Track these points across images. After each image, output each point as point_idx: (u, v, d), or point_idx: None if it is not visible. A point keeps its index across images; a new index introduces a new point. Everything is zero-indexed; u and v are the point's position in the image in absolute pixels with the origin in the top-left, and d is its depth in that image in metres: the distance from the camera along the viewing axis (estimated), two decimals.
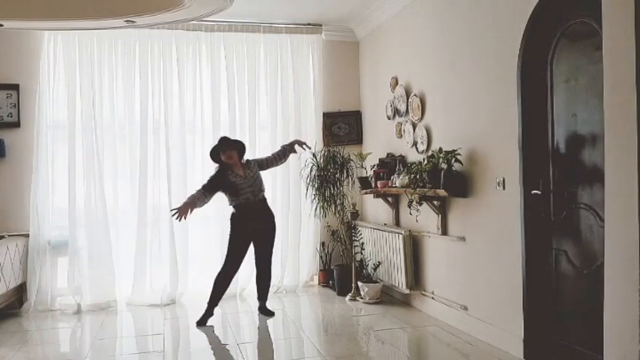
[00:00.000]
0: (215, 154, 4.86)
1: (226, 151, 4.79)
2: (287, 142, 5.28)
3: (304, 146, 5.20)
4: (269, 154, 5.27)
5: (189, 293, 5.68)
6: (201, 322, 4.73)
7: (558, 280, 3.41)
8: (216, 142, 4.95)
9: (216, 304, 4.83)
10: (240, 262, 4.92)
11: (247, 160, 4.96)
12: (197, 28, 5.76)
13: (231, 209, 4.89)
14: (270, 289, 5.24)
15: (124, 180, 5.67)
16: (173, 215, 4.59)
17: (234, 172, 4.79)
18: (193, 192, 4.74)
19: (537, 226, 3.52)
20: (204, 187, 4.75)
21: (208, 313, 4.79)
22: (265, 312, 4.99)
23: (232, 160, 4.80)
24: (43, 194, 5.38)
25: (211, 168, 5.77)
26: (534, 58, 3.51)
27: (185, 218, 4.59)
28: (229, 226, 4.88)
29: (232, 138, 5.06)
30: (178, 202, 5.57)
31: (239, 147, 4.90)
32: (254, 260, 5.03)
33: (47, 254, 5.38)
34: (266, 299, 5.06)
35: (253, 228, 4.85)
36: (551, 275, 3.46)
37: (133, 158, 5.65)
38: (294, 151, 5.21)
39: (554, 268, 3.44)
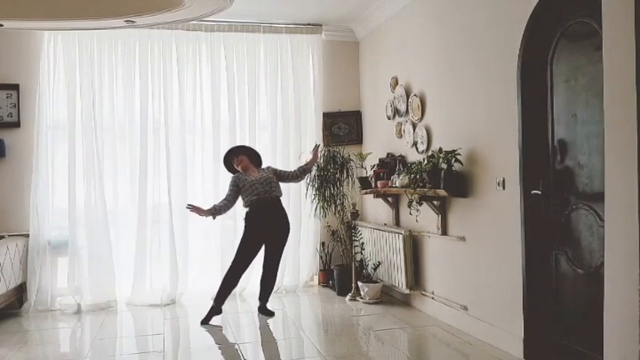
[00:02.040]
0: (228, 163, 5.08)
1: (238, 156, 5.00)
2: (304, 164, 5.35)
3: (316, 149, 5.28)
4: (291, 169, 5.39)
5: (189, 293, 5.69)
6: (206, 321, 4.74)
7: (558, 280, 3.41)
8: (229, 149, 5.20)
9: (223, 302, 4.84)
10: (250, 261, 4.94)
11: (268, 167, 5.15)
12: (197, 28, 5.76)
13: (245, 210, 4.97)
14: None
15: (124, 180, 5.66)
16: (188, 207, 4.77)
17: (248, 173, 4.95)
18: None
19: (537, 226, 3.52)
20: (226, 196, 4.93)
21: (214, 310, 4.79)
22: (265, 312, 4.99)
23: (243, 163, 4.97)
24: (43, 194, 5.38)
25: (211, 168, 5.82)
26: (534, 58, 3.51)
27: (198, 214, 4.80)
28: (244, 225, 4.96)
29: (245, 146, 5.27)
30: (178, 202, 5.59)
31: (248, 152, 5.08)
32: (262, 260, 5.04)
33: (47, 254, 5.38)
34: (267, 301, 5.06)
35: (265, 224, 4.86)
36: (551, 275, 3.46)
37: (133, 158, 5.65)
38: (309, 171, 5.31)
39: (554, 268, 3.44)
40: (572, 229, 3.28)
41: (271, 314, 4.97)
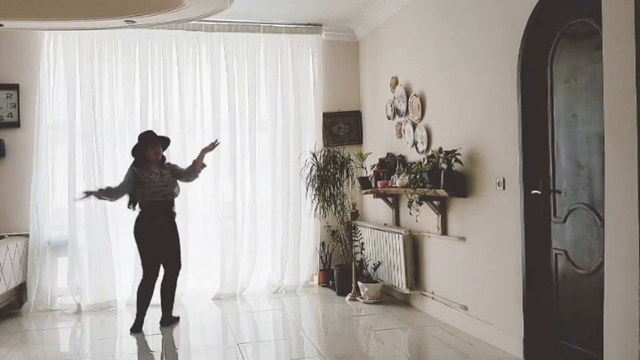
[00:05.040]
0: (139, 148, 4.62)
1: (154, 146, 4.61)
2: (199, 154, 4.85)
3: (212, 146, 4.82)
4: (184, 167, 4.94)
5: (189, 293, 5.68)
6: (135, 330, 4.55)
7: (558, 280, 3.41)
8: (142, 136, 4.70)
9: (144, 313, 4.60)
10: (157, 267, 4.63)
11: (168, 163, 4.80)
12: (197, 28, 5.77)
13: (135, 213, 4.63)
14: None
15: None
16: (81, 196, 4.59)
17: (150, 170, 4.58)
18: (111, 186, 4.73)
19: (537, 226, 3.52)
20: (120, 184, 4.64)
21: (139, 321, 4.58)
22: (165, 322, 4.69)
23: (159, 155, 4.65)
24: (43, 194, 5.38)
25: (211, 168, 5.79)
26: (534, 58, 3.51)
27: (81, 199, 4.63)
28: (134, 232, 4.60)
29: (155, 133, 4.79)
30: (178, 202, 5.56)
31: (165, 143, 4.80)
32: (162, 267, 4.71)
33: (47, 254, 5.39)
34: (169, 310, 4.75)
35: (157, 229, 4.56)
36: (551, 275, 3.46)
37: (132, 158, 5.63)
38: (204, 164, 4.80)
39: (554, 268, 3.44)
40: (572, 229, 3.28)
41: (174, 320, 4.74)
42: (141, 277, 4.65)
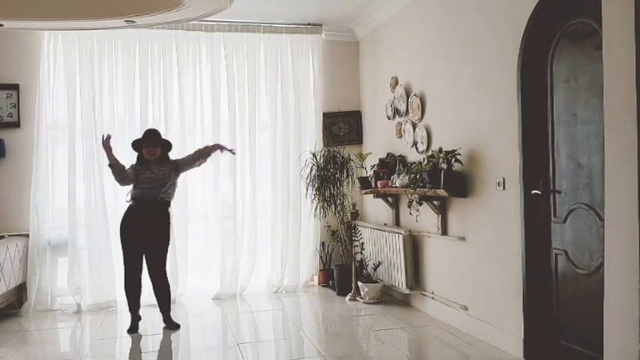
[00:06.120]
0: (138, 145, 4.62)
1: (151, 145, 4.54)
2: (211, 145, 4.88)
3: (228, 151, 4.84)
4: (188, 153, 4.88)
5: (189, 293, 5.69)
6: (132, 330, 4.55)
7: (558, 280, 3.41)
8: (143, 134, 4.69)
9: (136, 312, 4.61)
10: (138, 262, 4.54)
11: (170, 160, 4.66)
12: (197, 28, 5.77)
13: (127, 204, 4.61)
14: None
15: None
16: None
17: (148, 166, 4.55)
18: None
19: (537, 226, 3.52)
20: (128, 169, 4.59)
21: (135, 320, 4.60)
22: (169, 325, 4.61)
23: (154, 156, 4.54)
24: (43, 194, 5.38)
25: (210, 167, 5.81)
26: (534, 58, 3.51)
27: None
28: (120, 224, 4.59)
29: (160, 134, 4.70)
30: (178, 202, 5.56)
31: (164, 146, 4.65)
32: (147, 270, 4.63)
33: (47, 254, 5.39)
34: (168, 311, 4.65)
35: (139, 223, 4.49)
36: (551, 275, 3.46)
37: (132, 158, 5.63)
38: (209, 155, 4.77)
39: (554, 268, 3.44)
40: (572, 229, 3.28)
41: (176, 327, 4.61)
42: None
